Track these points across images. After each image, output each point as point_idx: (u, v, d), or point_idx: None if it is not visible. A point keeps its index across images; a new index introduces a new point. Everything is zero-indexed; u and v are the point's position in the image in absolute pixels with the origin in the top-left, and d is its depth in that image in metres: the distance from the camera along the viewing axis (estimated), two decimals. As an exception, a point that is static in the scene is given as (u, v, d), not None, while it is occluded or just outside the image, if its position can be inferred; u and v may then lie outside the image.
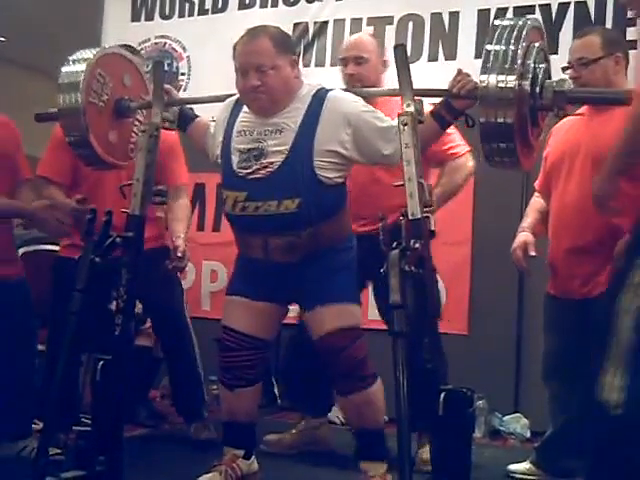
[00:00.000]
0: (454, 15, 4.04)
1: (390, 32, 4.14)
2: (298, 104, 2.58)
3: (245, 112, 2.66)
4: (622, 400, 1.87)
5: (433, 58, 4.05)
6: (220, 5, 4.63)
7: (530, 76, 2.24)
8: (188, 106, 2.90)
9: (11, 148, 3.11)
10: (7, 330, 2.96)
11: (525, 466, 2.96)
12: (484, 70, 2.23)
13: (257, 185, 2.55)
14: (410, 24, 4.12)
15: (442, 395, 2.17)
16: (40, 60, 5.64)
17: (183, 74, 4.64)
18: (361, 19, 4.25)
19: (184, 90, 4.63)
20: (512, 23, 2.29)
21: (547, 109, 2.33)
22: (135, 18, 4.80)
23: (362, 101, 2.60)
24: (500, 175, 3.59)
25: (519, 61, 2.21)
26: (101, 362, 2.57)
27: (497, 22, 2.32)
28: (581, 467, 2.49)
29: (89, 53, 2.82)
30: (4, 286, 2.98)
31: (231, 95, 2.71)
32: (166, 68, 4.36)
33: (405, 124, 2.31)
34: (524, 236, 2.93)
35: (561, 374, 2.81)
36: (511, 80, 2.20)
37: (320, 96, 2.59)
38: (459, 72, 2.43)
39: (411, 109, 2.34)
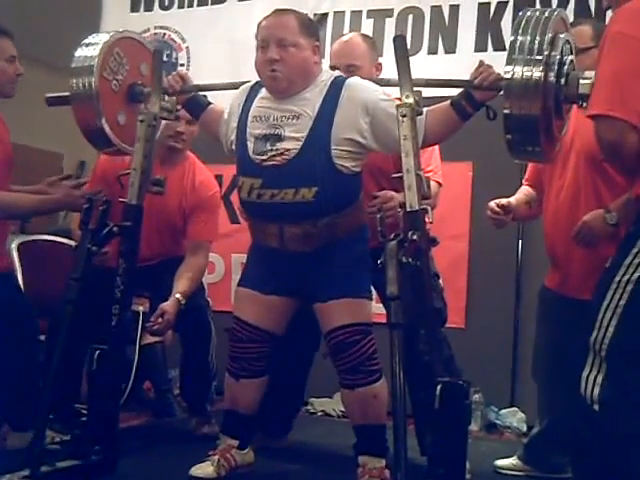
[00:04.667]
0: (454, 8, 4.01)
1: (390, 25, 4.11)
2: (316, 90, 2.56)
3: (261, 97, 2.63)
4: (601, 397, 1.88)
5: (433, 51, 4.03)
6: (220, -4, 4.62)
7: (556, 67, 2.22)
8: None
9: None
10: (7, 322, 2.95)
11: (512, 461, 2.96)
12: (510, 61, 2.21)
13: (273, 172, 2.52)
14: (410, 17, 4.09)
15: (438, 387, 2.17)
16: (39, 50, 5.63)
17: (182, 65, 4.61)
18: (361, 12, 4.21)
19: (183, 81, 4.62)
20: (537, 14, 2.26)
21: (572, 101, 2.30)
22: (134, 8, 4.77)
23: (381, 90, 2.57)
24: (497, 169, 3.60)
25: (545, 52, 2.19)
26: (97, 352, 2.57)
27: (522, 13, 2.29)
28: (568, 463, 2.49)
29: (105, 36, 2.84)
30: None
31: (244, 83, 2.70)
32: (165, 59, 4.34)
33: (404, 115, 2.30)
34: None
35: (549, 369, 2.79)
36: (537, 71, 2.18)
37: (338, 83, 2.57)
38: (481, 63, 2.41)
39: (410, 100, 2.33)
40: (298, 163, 2.49)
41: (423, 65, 3.80)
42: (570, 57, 2.29)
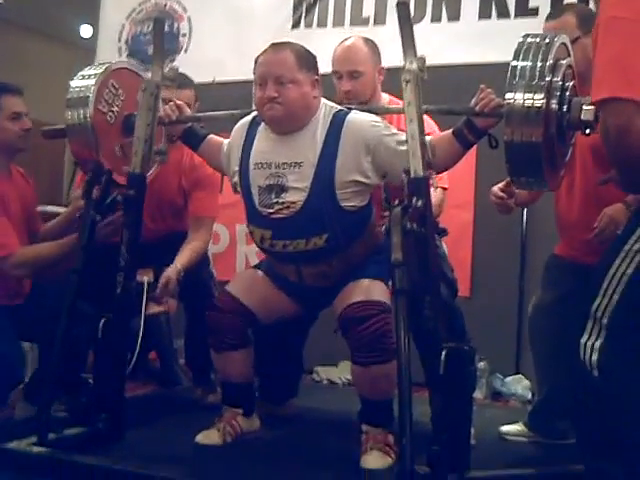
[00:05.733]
0: (457, -26, 4.00)
1: (393, -8, 4.09)
2: (316, 127, 2.53)
3: (261, 136, 2.61)
4: (600, 362, 1.89)
5: (436, 19, 4.01)
6: (222, -35, 4.59)
7: (558, 94, 2.20)
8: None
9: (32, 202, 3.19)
10: None
11: (517, 427, 2.96)
12: (510, 88, 2.18)
13: (281, 225, 2.53)
14: (413, -17, 4.07)
15: (443, 352, 2.17)
16: (39, 21, 5.61)
17: (184, 35, 4.60)
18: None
19: (185, 51, 4.61)
20: (538, 40, 2.23)
21: (575, 128, 2.27)
22: (135, -21, 4.76)
23: (382, 122, 2.54)
24: (503, 143, 3.58)
25: (547, 78, 2.16)
26: (103, 320, 2.58)
27: (522, 39, 2.26)
28: (571, 429, 2.49)
29: (100, 68, 2.82)
30: None
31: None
32: (167, 29, 4.32)
33: (407, 81, 2.29)
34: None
35: (550, 335, 2.77)
36: (538, 98, 2.15)
37: (338, 120, 2.53)
38: (482, 90, 2.37)
39: (413, 66, 2.31)
40: (305, 214, 2.50)
41: (427, 33, 3.78)
42: (572, 83, 2.26)
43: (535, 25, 3.74)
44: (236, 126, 2.72)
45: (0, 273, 2.92)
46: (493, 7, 3.94)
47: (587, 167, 2.62)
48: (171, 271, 3.03)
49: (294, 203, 2.50)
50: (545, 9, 3.80)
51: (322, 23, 4.34)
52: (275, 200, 2.52)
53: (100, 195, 2.59)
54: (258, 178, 2.56)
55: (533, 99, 2.15)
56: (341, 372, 3.80)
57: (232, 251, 4.43)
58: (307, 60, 2.56)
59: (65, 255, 2.91)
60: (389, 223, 2.21)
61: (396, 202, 2.25)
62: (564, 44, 2.29)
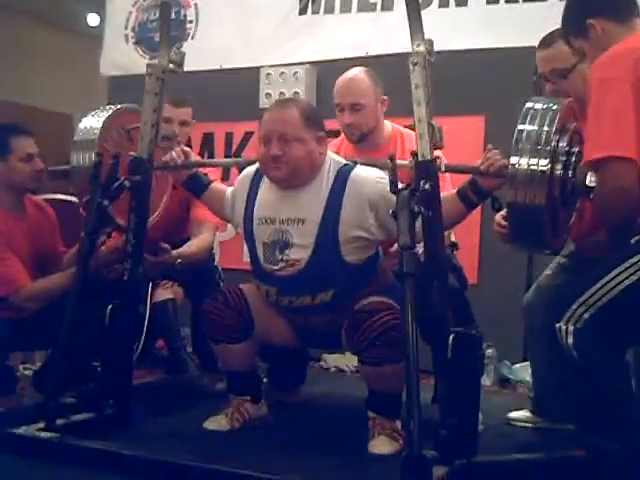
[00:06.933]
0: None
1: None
2: (321, 183, 2.52)
3: (264, 190, 2.60)
4: (576, 345, 1.97)
5: (444, 4, 3.98)
6: (228, -48, 4.57)
7: (563, 159, 2.20)
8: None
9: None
10: None
11: (525, 414, 2.96)
12: (515, 151, 2.18)
13: (287, 282, 2.54)
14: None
15: (451, 337, 2.16)
16: (46, 10, 5.61)
17: (191, 22, 4.59)
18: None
19: (192, 38, 4.59)
20: (545, 106, 2.23)
21: (580, 194, 2.26)
22: (142, -34, 4.75)
23: (386, 179, 2.45)
24: (510, 123, 3.56)
25: (552, 143, 2.16)
26: (110, 306, 2.58)
27: (530, 104, 2.26)
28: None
29: (108, 112, 2.84)
30: None
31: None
32: (173, 16, 4.31)
33: (415, 64, 2.27)
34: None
35: (540, 314, 2.76)
36: (543, 164, 2.15)
37: (343, 176, 2.52)
38: (489, 150, 2.37)
39: (421, 49, 2.29)
40: (310, 271, 2.50)
41: (435, 19, 3.75)
42: (578, 148, 2.25)
43: (543, 10, 3.75)
44: (240, 177, 2.73)
45: (12, 307, 3.00)
46: (501, -9, 3.91)
47: None
48: (184, 250, 3.12)
49: (298, 261, 2.50)
50: (554, -5, 3.78)
51: (329, 9, 4.31)
52: (280, 257, 2.53)
53: (107, 180, 2.58)
54: (262, 234, 2.57)
55: (538, 163, 2.16)
56: (349, 360, 3.79)
57: (239, 238, 4.39)
58: (313, 117, 2.55)
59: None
60: (397, 206, 2.18)
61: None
62: (571, 108, 2.30)
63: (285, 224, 2.53)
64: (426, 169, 2.23)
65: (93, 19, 7.03)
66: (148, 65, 2.69)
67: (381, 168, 2.54)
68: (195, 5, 4.61)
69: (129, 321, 2.66)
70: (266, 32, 4.42)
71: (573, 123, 2.29)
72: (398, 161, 2.62)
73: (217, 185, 2.82)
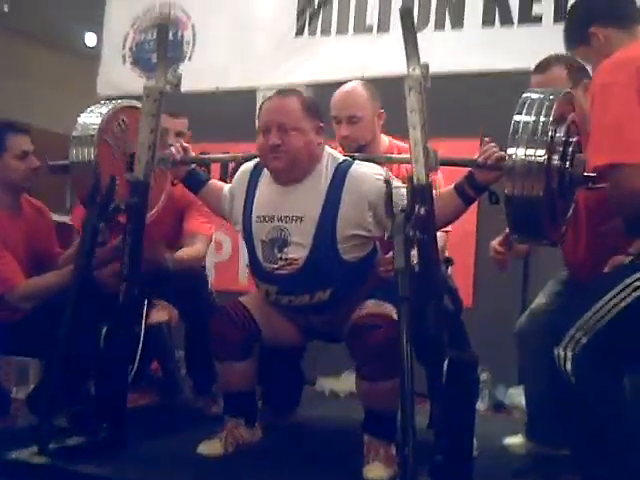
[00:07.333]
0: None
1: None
2: (319, 178, 2.52)
3: (263, 186, 2.61)
4: (575, 370, 1.98)
5: (440, 26, 4.00)
6: (226, -27, 4.60)
7: (560, 149, 2.19)
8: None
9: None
10: None
11: (520, 439, 2.94)
12: (512, 142, 2.18)
13: (285, 281, 2.55)
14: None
15: (446, 361, 2.16)
16: (41, 28, 5.63)
17: (188, 43, 4.61)
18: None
19: (189, 59, 4.61)
20: (542, 96, 2.22)
21: (579, 183, 2.25)
22: (139, -14, 4.78)
23: (384, 174, 2.50)
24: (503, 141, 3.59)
25: (549, 134, 2.16)
26: (104, 329, 2.57)
27: (526, 95, 2.25)
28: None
29: (107, 106, 2.82)
30: None
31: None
32: (171, 37, 4.32)
33: (411, 88, 2.27)
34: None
35: (535, 338, 2.76)
36: (540, 154, 2.14)
37: (341, 173, 2.52)
38: (486, 142, 2.36)
39: (417, 72, 2.30)
40: (308, 270, 2.50)
41: (430, 41, 3.78)
42: (575, 138, 2.25)
43: (539, 33, 3.77)
44: (238, 173, 2.72)
45: (6, 306, 2.96)
46: (496, 14, 3.93)
47: (591, 209, 2.58)
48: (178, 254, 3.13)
49: (297, 260, 2.51)
50: (549, 16, 3.82)
51: (326, 31, 4.34)
52: (278, 256, 2.53)
53: (103, 202, 2.58)
54: (260, 232, 2.57)
55: (535, 155, 2.14)
56: (343, 383, 3.78)
57: (235, 259, 4.41)
58: (312, 108, 2.55)
59: (66, 283, 2.88)
60: (391, 230, 2.19)
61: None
62: (567, 100, 2.29)
63: (284, 222, 2.53)
64: (422, 193, 2.23)
65: (91, 39, 7.05)
66: (145, 87, 2.68)
67: (378, 163, 2.56)
68: (192, 26, 4.63)
69: (124, 343, 2.64)
70: (263, 53, 4.45)
71: (570, 113, 2.27)
72: (398, 155, 2.65)
73: (215, 182, 2.83)
